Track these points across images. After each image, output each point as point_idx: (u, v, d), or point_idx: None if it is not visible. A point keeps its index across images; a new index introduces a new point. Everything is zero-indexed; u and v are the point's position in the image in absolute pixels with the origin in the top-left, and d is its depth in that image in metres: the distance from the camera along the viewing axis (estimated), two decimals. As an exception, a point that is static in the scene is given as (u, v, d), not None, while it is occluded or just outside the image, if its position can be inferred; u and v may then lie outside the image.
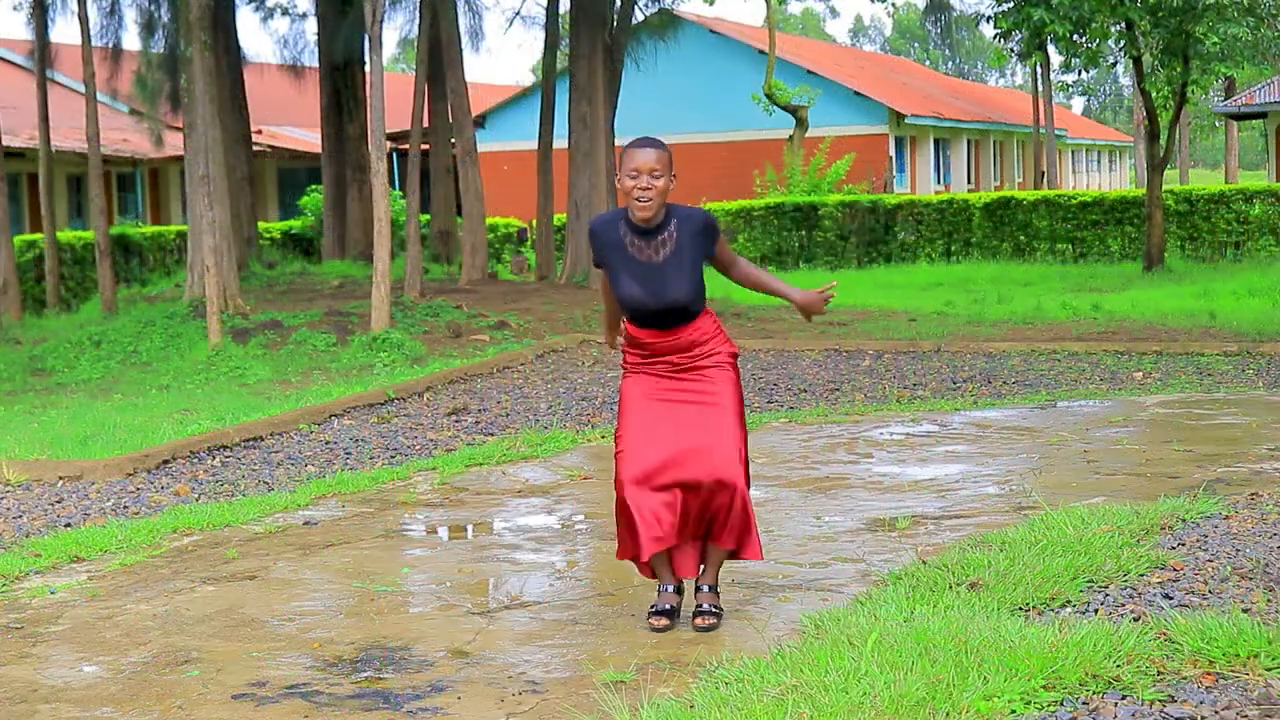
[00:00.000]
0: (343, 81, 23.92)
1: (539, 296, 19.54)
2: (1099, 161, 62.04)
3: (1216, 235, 25.51)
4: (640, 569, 5.11)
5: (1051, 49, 28.42)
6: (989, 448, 8.45)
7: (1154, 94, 24.42)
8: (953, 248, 27.56)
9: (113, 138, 26.97)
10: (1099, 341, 13.83)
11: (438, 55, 21.47)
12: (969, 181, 44.25)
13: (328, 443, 9.47)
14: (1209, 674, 4.05)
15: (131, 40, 21.11)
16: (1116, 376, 11.62)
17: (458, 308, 16.81)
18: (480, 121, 35.54)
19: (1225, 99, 39.49)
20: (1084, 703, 3.91)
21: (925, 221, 27.85)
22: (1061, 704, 3.90)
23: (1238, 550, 5.44)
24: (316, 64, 24.51)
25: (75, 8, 18.68)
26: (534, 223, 25.95)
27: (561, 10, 23.12)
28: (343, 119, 23.97)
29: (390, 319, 15.11)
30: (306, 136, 32.73)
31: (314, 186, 27.49)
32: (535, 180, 22.93)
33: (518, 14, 29.78)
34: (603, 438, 9.27)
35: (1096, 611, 4.73)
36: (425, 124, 21.78)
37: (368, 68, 17.38)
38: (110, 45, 20.48)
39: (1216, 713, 3.77)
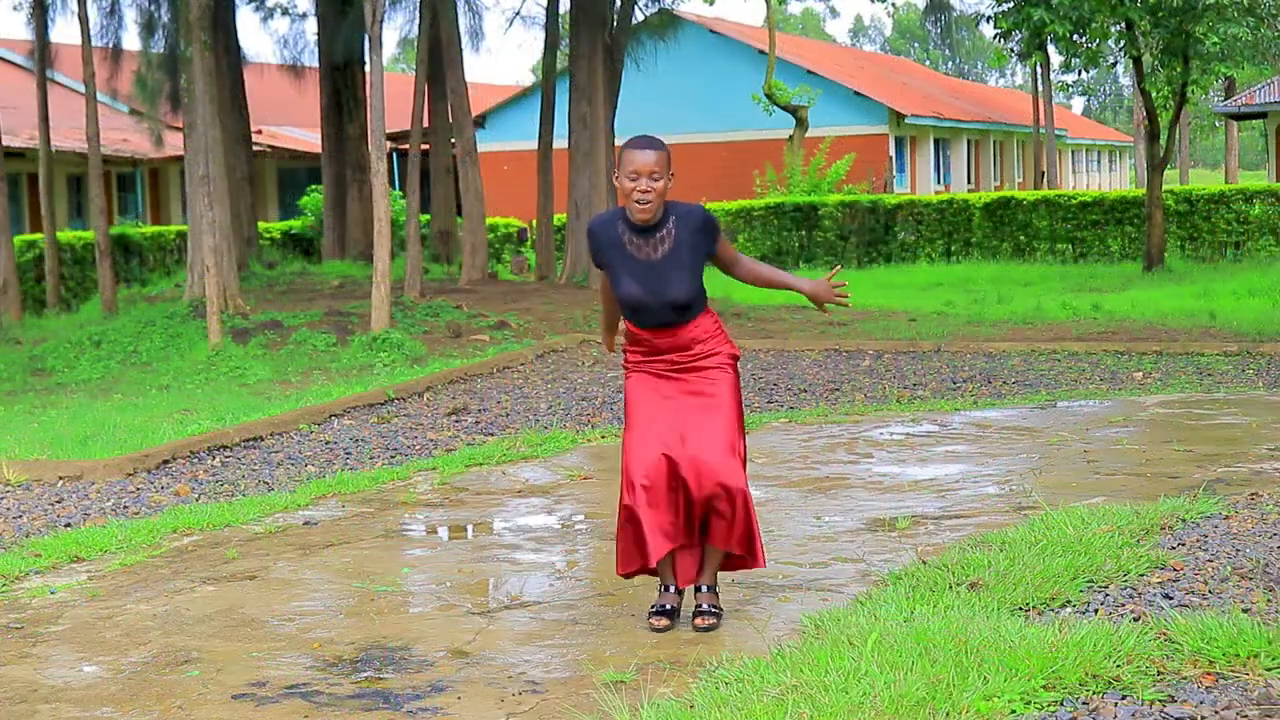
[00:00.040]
0: (343, 81, 23.92)
1: (539, 296, 19.54)
2: (1099, 161, 62.04)
3: (1216, 235, 25.51)
4: (638, 573, 5.10)
5: (1051, 49, 28.43)
6: (989, 448, 8.45)
7: (1154, 94, 24.42)
8: (953, 248, 27.56)
9: (113, 138, 26.97)
10: (1099, 341, 13.83)
11: (438, 55, 21.47)
12: (969, 181, 44.25)
13: (328, 443, 9.47)
14: (1209, 674, 4.05)
15: (131, 40, 21.13)
16: (1116, 376, 11.62)
17: (458, 308, 16.81)
18: (480, 121, 35.54)
19: (1225, 99, 39.49)
20: (1084, 703, 3.91)
21: (925, 221, 27.85)
22: (1061, 704, 3.90)
23: (1238, 550, 5.44)
24: (316, 64, 24.51)
25: (75, 8, 18.68)
26: (534, 223, 25.95)
27: (561, 10, 23.12)
28: (343, 119, 23.97)
29: (390, 319, 15.11)
30: (306, 136, 32.73)
31: (314, 186, 27.50)
32: (535, 180, 22.93)
33: (518, 14, 29.80)
34: (603, 438, 9.27)
35: (1096, 611, 4.73)
36: (425, 124, 21.78)
37: (368, 68, 17.38)
38: (110, 45, 20.48)
39: (1216, 713, 3.77)
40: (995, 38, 33.69)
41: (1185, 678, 4.04)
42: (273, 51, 58.06)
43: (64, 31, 71.66)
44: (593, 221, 5.11)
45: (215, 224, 15.08)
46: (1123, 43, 22.45)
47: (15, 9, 22.62)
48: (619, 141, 21.04)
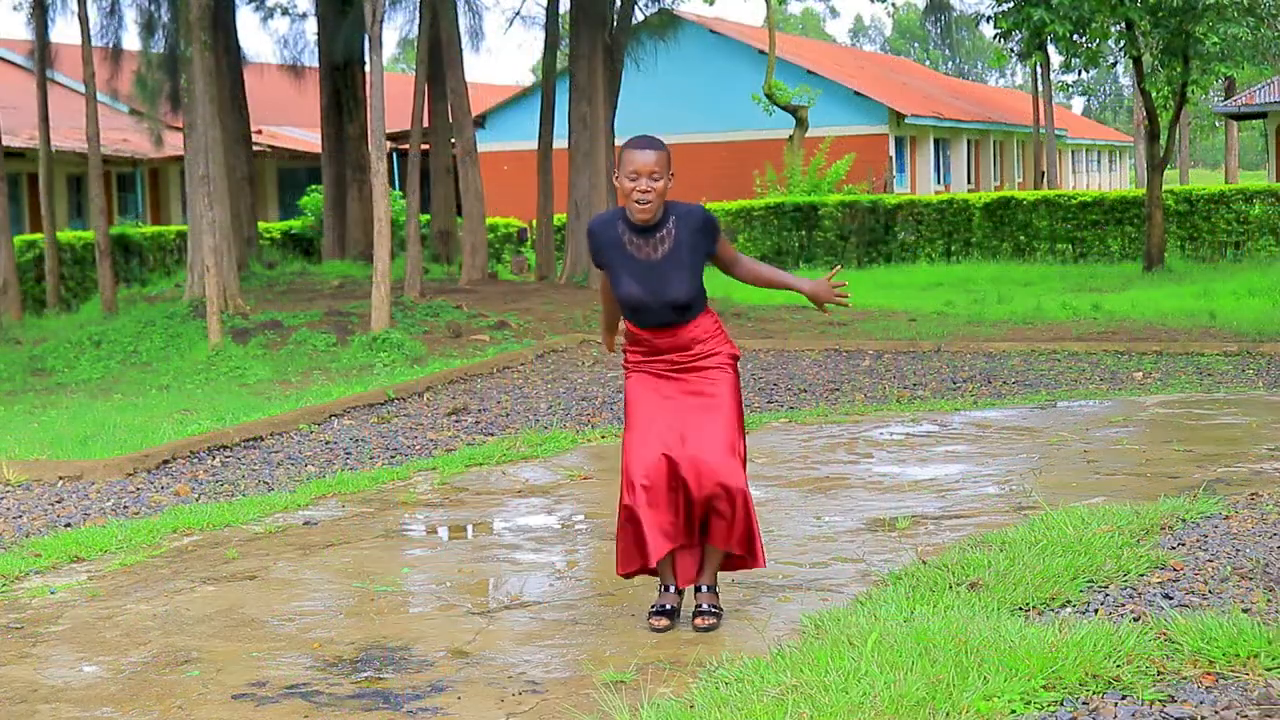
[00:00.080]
0: (343, 81, 23.92)
1: (539, 296, 19.54)
2: (1099, 161, 62.05)
3: (1216, 235, 25.52)
4: (638, 573, 5.09)
5: (1051, 49, 28.44)
6: (989, 448, 8.45)
7: (1154, 94, 24.42)
8: (953, 248, 27.56)
9: (113, 138, 26.97)
10: (1099, 341, 13.83)
11: (438, 55, 21.47)
12: (969, 181, 44.25)
13: (328, 443, 9.47)
14: (1209, 674, 4.05)
15: (131, 40, 21.13)
16: (1116, 376, 11.62)
17: (458, 308, 16.82)
18: (480, 121, 35.54)
19: (1225, 99, 39.49)
20: (1084, 703, 3.91)
21: (925, 221, 27.85)
22: (1061, 704, 3.90)
23: (1238, 550, 5.44)
24: (316, 64, 24.52)
25: (75, 8, 18.68)
26: (534, 223, 25.95)
27: (561, 10, 23.12)
28: (343, 119, 23.97)
29: (390, 319, 15.11)
30: (306, 136, 32.73)
31: (314, 186, 27.50)
32: (535, 180, 22.94)
33: (518, 14, 29.80)
34: (603, 438, 9.27)
35: (1096, 611, 4.73)
36: (425, 124, 21.78)
37: (368, 68, 17.38)
38: (110, 45, 20.48)
39: (1216, 713, 3.77)
40: (995, 38, 33.69)
41: (1185, 678, 4.04)
42: (273, 51, 58.10)
43: (64, 31, 71.73)
44: (593, 221, 5.11)
45: (215, 224, 15.08)
46: (1123, 43, 22.46)
47: (15, 9, 22.63)
48: (619, 141, 21.06)
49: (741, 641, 4.79)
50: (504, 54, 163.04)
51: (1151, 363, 12.40)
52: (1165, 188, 24.75)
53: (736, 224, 28.86)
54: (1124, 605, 4.80)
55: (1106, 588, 5.03)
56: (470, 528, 6.92)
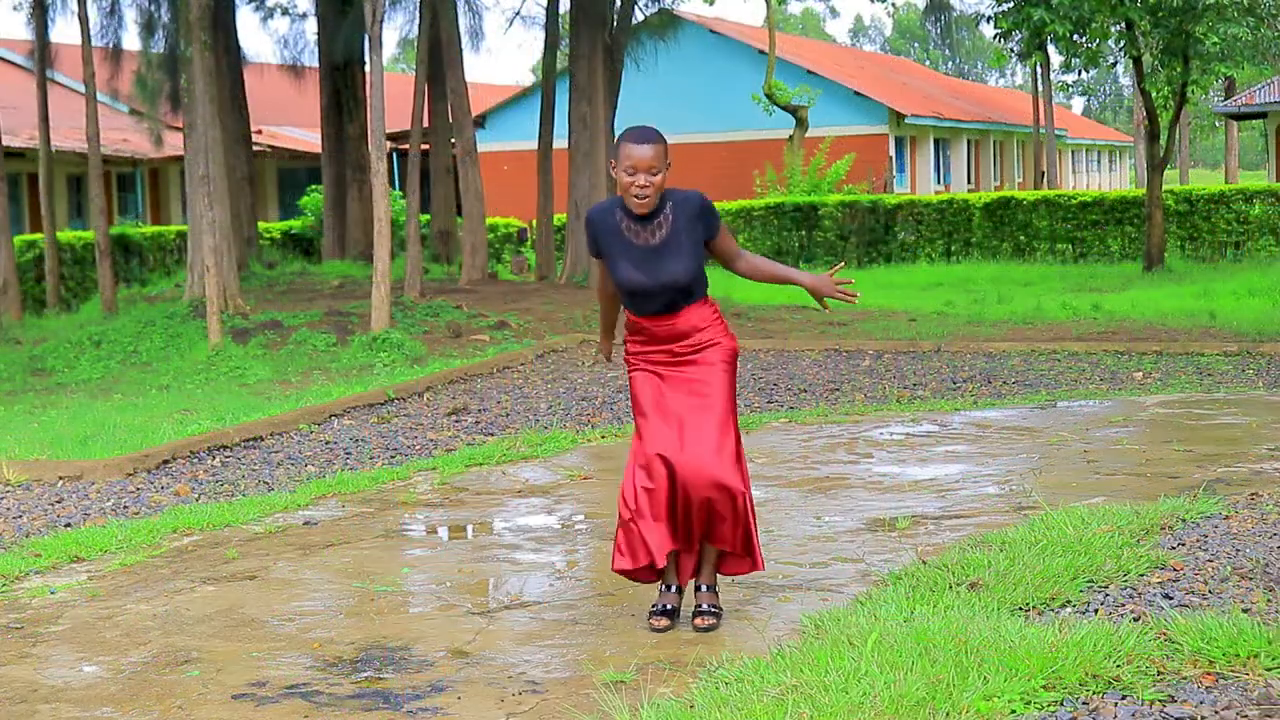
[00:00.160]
0: (343, 81, 23.92)
1: (539, 296, 19.54)
2: (1099, 161, 62.05)
3: (1216, 235, 25.52)
4: (632, 575, 5.07)
5: (1051, 49, 28.45)
6: (989, 448, 8.45)
7: (1154, 94, 24.42)
8: (953, 248, 27.57)
9: (113, 138, 26.97)
10: (1099, 341, 13.83)
11: (438, 55, 21.47)
12: (969, 181, 44.26)
13: (328, 443, 9.47)
14: (1209, 674, 4.05)
15: (131, 40, 21.14)
16: (1116, 376, 11.62)
17: (458, 308, 16.82)
18: (480, 121, 35.54)
19: (1225, 99, 39.50)
20: (1084, 703, 3.91)
21: (925, 221, 27.85)
22: (1061, 704, 3.90)
23: (1238, 550, 5.44)
24: (316, 64, 24.52)
25: (75, 8, 18.69)
26: (534, 223, 25.95)
27: (561, 10, 23.13)
28: (343, 119, 23.98)
29: (390, 319, 15.11)
30: (306, 136, 32.74)
31: (314, 186, 27.50)
32: (535, 180, 22.94)
33: (518, 14, 29.80)
34: (603, 438, 9.27)
35: (1096, 611, 4.73)
36: (425, 124, 21.78)
37: (368, 68, 17.38)
38: (110, 45, 20.49)
39: (1216, 713, 3.77)
40: (995, 38, 33.70)
41: (1185, 678, 4.04)
42: (273, 51, 58.11)
43: (64, 31, 71.73)
44: (591, 210, 5.10)
45: (215, 224, 15.08)
46: (1123, 43, 22.46)
47: (15, 9, 22.63)
48: (619, 141, 21.05)
49: (741, 641, 4.79)
50: (504, 54, 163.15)
51: (1151, 363, 12.40)
52: (1165, 188, 24.75)
53: (736, 224, 28.86)
54: (1124, 605, 4.80)
55: (1106, 588, 5.03)
56: (470, 528, 6.91)
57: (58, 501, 7.77)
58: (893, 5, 33.10)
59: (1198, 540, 5.65)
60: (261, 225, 25.50)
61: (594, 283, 5.32)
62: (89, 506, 7.61)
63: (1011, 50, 37.52)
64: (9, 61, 33.90)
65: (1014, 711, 3.84)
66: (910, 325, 15.98)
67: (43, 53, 20.24)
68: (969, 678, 3.97)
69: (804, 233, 28.61)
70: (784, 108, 35.27)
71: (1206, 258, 25.19)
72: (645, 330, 5.05)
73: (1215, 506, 6.21)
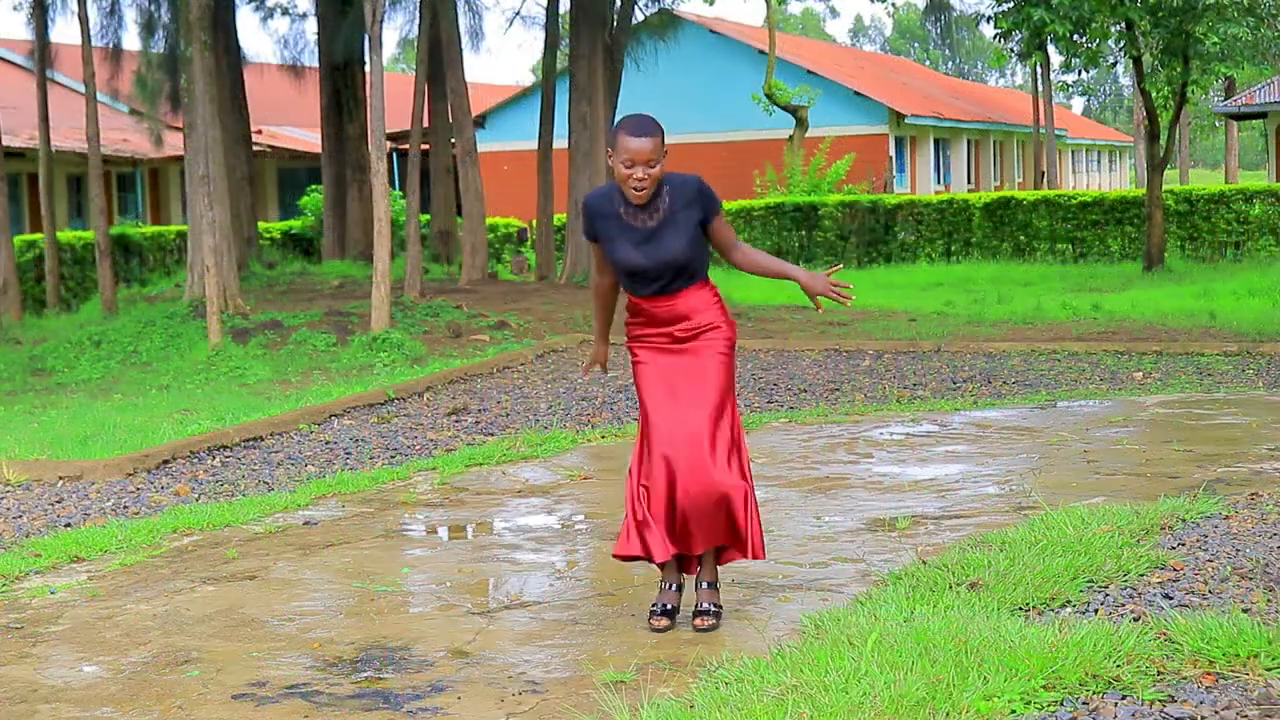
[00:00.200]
0: (343, 81, 23.92)
1: (539, 296, 19.54)
2: (1099, 161, 62.05)
3: (1216, 235, 25.52)
4: (632, 560, 5.09)
5: (1051, 49, 28.44)
6: (989, 448, 8.45)
7: (1154, 94, 24.42)
8: (953, 248, 27.56)
9: (113, 138, 26.97)
10: (1099, 341, 13.83)
11: (438, 55, 21.47)
12: (969, 181, 44.26)
13: (328, 443, 9.47)
14: (1209, 674, 4.05)
15: (131, 40, 21.15)
16: (1116, 376, 11.62)
17: (458, 308, 16.82)
18: (480, 121, 35.55)
19: (1225, 99, 39.50)
20: (1084, 703, 3.91)
21: (925, 221, 27.85)
22: (1061, 704, 3.90)
23: (1238, 550, 5.44)
24: (316, 64, 24.52)
25: (75, 8, 18.69)
26: (534, 223, 25.96)
27: (561, 10, 23.13)
28: (343, 119, 23.98)
29: (390, 319, 15.11)
30: (306, 136, 32.74)
31: (314, 186, 27.51)
32: (535, 180, 22.94)
33: (518, 14, 29.81)
34: (603, 438, 9.28)
35: (1096, 611, 4.73)
36: (425, 124, 21.79)
37: (368, 68, 17.38)
38: (110, 45, 20.49)
39: (1216, 713, 3.77)
40: (995, 38, 33.70)
41: (1185, 678, 4.04)
42: (273, 51, 58.12)
43: (64, 31, 71.73)
44: (589, 196, 5.11)
45: (215, 224, 15.08)
46: (1123, 43, 22.46)
47: (15, 9, 22.64)
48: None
49: (741, 641, 4.79)
50: (504, 54, 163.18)
51: (1151, 363, 12.40)
52: (1165, 188, 24.75)
53: (736, 224, 28.86)
54: (1124, 605, 4.80)
55: (1106, 588, 5.03)
56: (470, 528, 6.91)
57: (58, 501, 7.77)
58: (893, 5, 33.11)
59: (1198, 540, 5.65)
60: (261, 225, 25.51)
61: (592, 282, 5.30)
62: (89, 506, 7.61)
63: (1011, 50, 37.53)
64: (9, 61, 33.90)
65: (1014, 711, 3.84)
66: (910, 325, 15.98)
67: (43, 53, 20.24)
68: (969, 678, 3.97)
69: (804, 233, 28.61)
70: (784, 108, 35.27)
71: (1206, 258, 25.18)
72: (645, 312, 5.04)
73: (1215, 506, 6.21)
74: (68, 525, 7.12)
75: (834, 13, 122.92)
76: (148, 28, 19.88)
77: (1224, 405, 9.76)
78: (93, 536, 6.64)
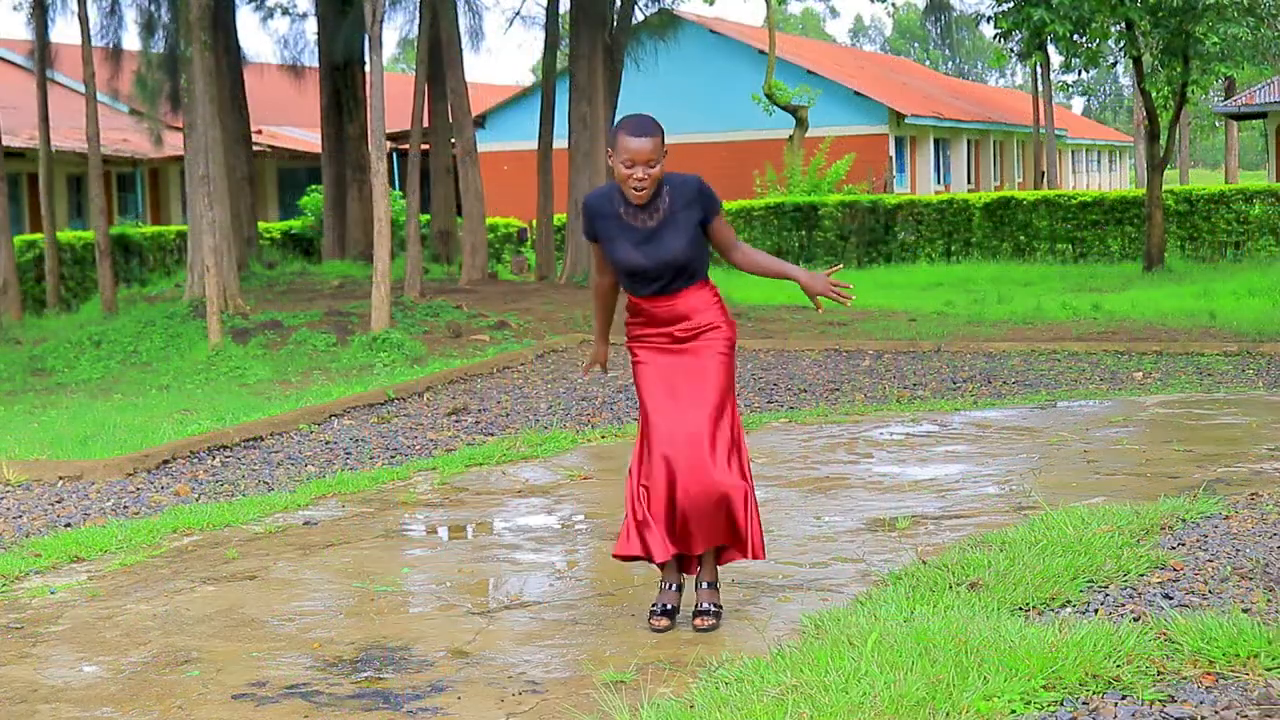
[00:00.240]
0: (343, 81, 23.93)
1: (539, 296, 19.54)
2: (1099, 161, 62.05)
3: (1216, 235, 25.52)
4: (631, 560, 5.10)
5: (1051, 49, 28.44)
6: (989, 448, 8.45)
7: (1154, 94, 24.42)
8: (953, 248, 27.57)
9: (113, 138, 26.97)
10: (1099, 341, 13.83)
11: (438, 55, 21.47)
12: (969, 181, 44.26)
13: (328, 443, 9.47)
14: (1209, 674, 4.05)
15: (131, 40, 21.15)
16: (1116, 376, 11.62)
17: (458, 308, 16.82)
18: (480, 121, 35.55)
19: (1225, 99, 39.50)
20: (1084, 703, 3.91)
21: (925, 221, 27.85)
22: (1061, 704, 3.90)
23: (1238, 550, 5.44)
24: (316, 64, 24.53)
25: (75, 8, 18.69)
26: (534, 223, 25.96)
27: (561, 10, 23.13)
28: (343, 119, 23.98)
29: (390, 319, 15.11)
30: (306, 136, 32.74)
31: (314, 186, 27.51)
32: (535, 180, 22.94)
33: (518, 14, 29.82)
34: (603, 438, 9.27)
35: (1096, 611, 4.73)
36: (425, 124, 21.79)
37: (368, 68, 17.38)
38: (110, 45, 20.50)
39: (1216, 713, 3.77)
40: (995, 38, 33.70)
41: (1185, 678, 4.04)
42: (273, 51, 58.12)
43: (64, 31, 71.74)
44: (589, 196, 5.11)
45: (215, 224, 15.09)
46: (1123, 43, 22.46)
47: (15, 9, 22.64)
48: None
49: (741, 641, 4.79)
50: (504, 54, 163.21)
51: (1151, 363, 12.40)
52: (1165, 188, 24.75)
53: (737, 224, 28.86)
54: (1124, 605, 4.80)
55: (1106, 588, 5.03)
56: (470, 528, 6.91)
57: (58, 501, 7.77)
58: (893, 5, 33.11)
59: (1198, 540, 5.65)
60: (261, 225, 25.51)
61: (592, 282, 5.30)
62: (89, 506, 7.61)
63: (1011, 50, 37.53)
64: (9, 61, 33.90)
65: (1014, 711, 3.84)
66: (910, 325, 15.98)
67: (43, 53, 20.25)
68: (969, 678, 3.97)
69: (804, 233, 28.61)
70: (784, 108, 35.27)
71: (1206, 258, 25.19)
72: (645, 312, 5.05)
73: (1215, 506, 6.21)
74: (68, 525, 7.12)
75: (834, 13, 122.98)
76: (148, 28, 19.88)
77: (1224, 405, 9.76)
78: (93, 536, 6.64)
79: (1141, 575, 5.15)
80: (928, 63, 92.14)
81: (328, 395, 11.41)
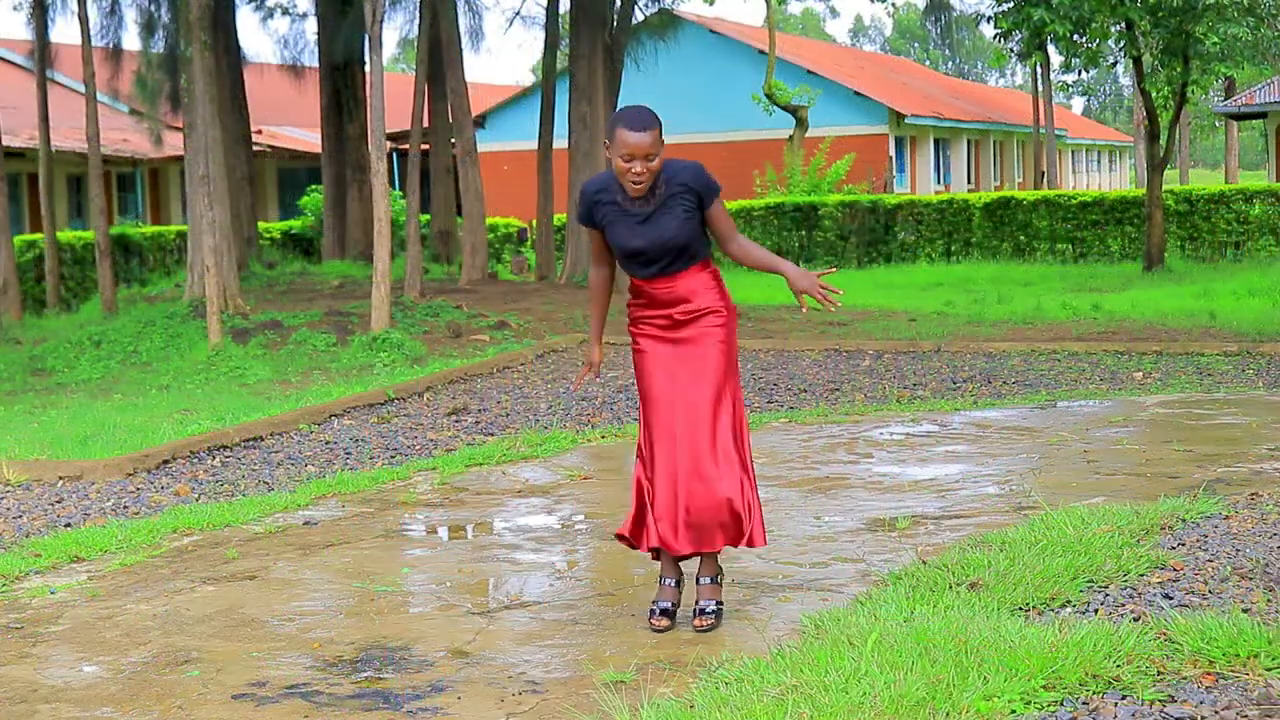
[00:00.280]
0: (343, 81, 23.93)
1: (539, 296, 19.54)
2: (1099, 161, 62.06)
3: (1216, 235, 25.52)
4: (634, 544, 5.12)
5: (1051, 49, 28.44)
6: (989, 448, 8.45)
7: (1154, 94, 24.43)
8: (953, 248, 27.57)
9: (113, 138, 26.98)
10: (1099, 341, 13.83)
11: (438, 55, 21.48)
12: (969, 181, 44.26)
13: (328, 443, 9.47)
14: (1209, 674, 4.05)
15: (131, 40, 21.16)
16: (1116, 376, 11.62)
17: (458, 308, 16.82)
18: (480, 121, 35.55)
19: (1225, 99, 39.50)
20: (1084, 703, 3.91)
21: (925, 221, 27.86)
22: (1061, 704, 3.90)
23: (1238, 550, 5.44)
24: (316, 64, 24.53)
25: (75, 8, 18.69)
26: (534, 223, 25.96)
27: (561, 10, 23.13)
28: (343, 119, 23.98)
29: (390, 319, 15.11)
30: (306, 136, 32.74)
31: (314, 186, 27.51)
32: (535, 180, 22.94)
33: (518, 14, 29.81)
34: (603, 438, 9.27)
35: (1096, 611, 4.73)
36: (425, 124, 21.79)
37: (368, 68, 17.38)
38: (110, 45, 20.50)
39: (1216, 713, 3.77)
40: (995, 38, 33.69)
41: (1185, 678, 4.04)
42: (273, 51, 58.11)
43: (64, 31, 71.74)
44: (586, 183, 5.12)
45: (215, 224, 15.09)
46: (1123, 43, 22.46)
47: (15, 9, 22.64)
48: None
49: (741, 641, 4.79)
50: (504, 54, 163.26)
51: (1151, 363, 12.40)
52: (1165, 188, 24.76)
53: (737, 224, 28.82)
54: (1124, 605, 4.80)
55: (1106, 588, 5.03)
56: (470, 528, 6.91)
57: (58, 501, 7.77)
58: (893, 5, 33.11)
59: (1198, 540, 5.65)
60: (261, 225, 25.51)
61: (589, 278, 5.30)
62: (89, 506, 7.61)
63: (1011, 50, 37.52)
64: (9, 61, 33.90)
65: (1014, 711, 3.84)
66: (910, 325, 15.98)
67: (43, 53, 20.25)
68: (969, 678, 3.97)
69: (804, 233, 28.61)
70: (784, 108, 35.27)
71: (1206, 258, 25.19)
72: (645, 293, 5.06)
73: (1215, 506, 6.21)
74: (68, 525, 7.12)
75: (834, 13, 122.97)
76: (148, 28, 19.89)
77: (1224, 405, 9.76)
78: (93, 536, 6.64)
79: (1141, 575, 5.15)
80: (928, 63, 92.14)
81: (328, 395, 11.41)
